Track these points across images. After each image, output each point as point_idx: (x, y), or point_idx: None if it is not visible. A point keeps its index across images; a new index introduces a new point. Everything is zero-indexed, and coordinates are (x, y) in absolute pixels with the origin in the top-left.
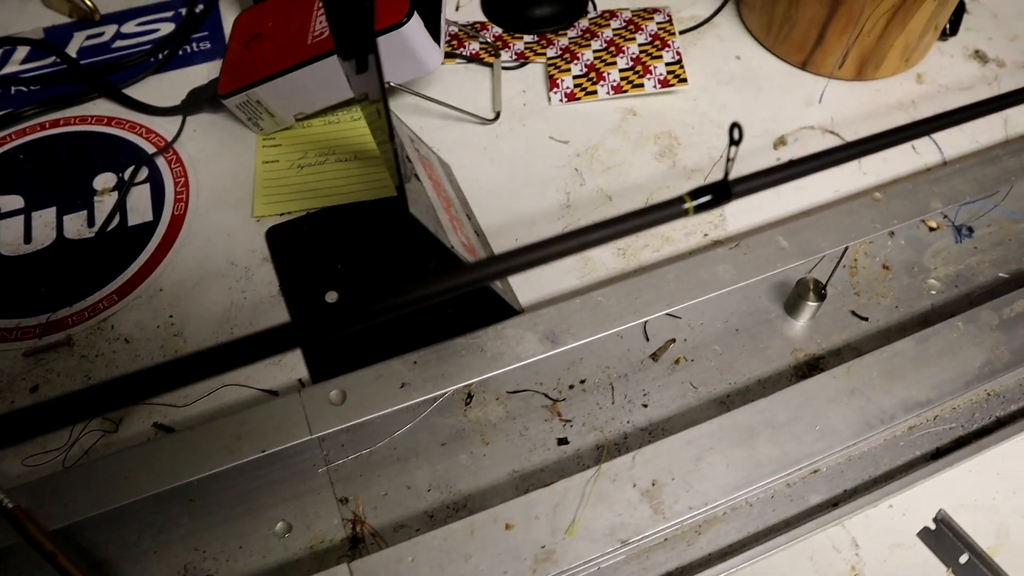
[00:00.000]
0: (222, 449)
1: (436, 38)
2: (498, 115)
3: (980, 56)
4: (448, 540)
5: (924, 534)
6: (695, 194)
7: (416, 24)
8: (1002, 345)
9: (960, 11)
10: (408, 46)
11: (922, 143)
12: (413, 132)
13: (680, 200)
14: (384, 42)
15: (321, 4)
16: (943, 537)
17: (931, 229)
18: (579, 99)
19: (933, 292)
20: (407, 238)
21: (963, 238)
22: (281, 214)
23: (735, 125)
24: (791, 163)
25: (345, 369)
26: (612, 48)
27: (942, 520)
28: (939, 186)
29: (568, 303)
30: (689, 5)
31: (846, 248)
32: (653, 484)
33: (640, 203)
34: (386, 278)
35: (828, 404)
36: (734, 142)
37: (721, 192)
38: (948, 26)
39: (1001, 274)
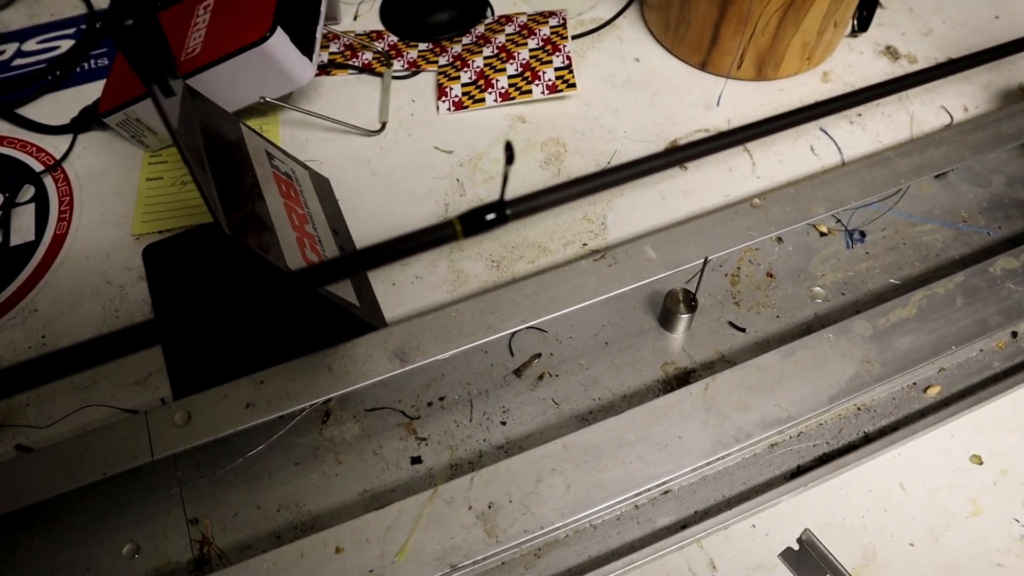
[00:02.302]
0: (64, 472)
1: (308, 51)
2: (384, 126)
3: (891, 52)
4: (277, 563)
5: (786, 555)
6: (466, 218)
7: (280, 40)
8: (874, 357)
9: (872, 6)
10: (274, 61)
11: (822, 144)
12: (276, 147)
13: (448, 225)
14: (247, 59)
15: (196, 20)
16: (805, 558)
17: (822, 234)
18: (467, 107)
19: (818, 301)
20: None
21: (855, 243)
22: (160, 231)
23: (508, 145)
24: (579, 180)
25: (208, 387)
26: (503, 54)
27: (806, 540)
28: (824, 190)
29: (422, 319)
30: (592, 7)
31: (706, 260)
32: (489, 507)
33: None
34: (230, 296)
35: (681, 422)
36: (508, 161)
37: (494, 214)
38: (857, 22)
39: (892, 280)
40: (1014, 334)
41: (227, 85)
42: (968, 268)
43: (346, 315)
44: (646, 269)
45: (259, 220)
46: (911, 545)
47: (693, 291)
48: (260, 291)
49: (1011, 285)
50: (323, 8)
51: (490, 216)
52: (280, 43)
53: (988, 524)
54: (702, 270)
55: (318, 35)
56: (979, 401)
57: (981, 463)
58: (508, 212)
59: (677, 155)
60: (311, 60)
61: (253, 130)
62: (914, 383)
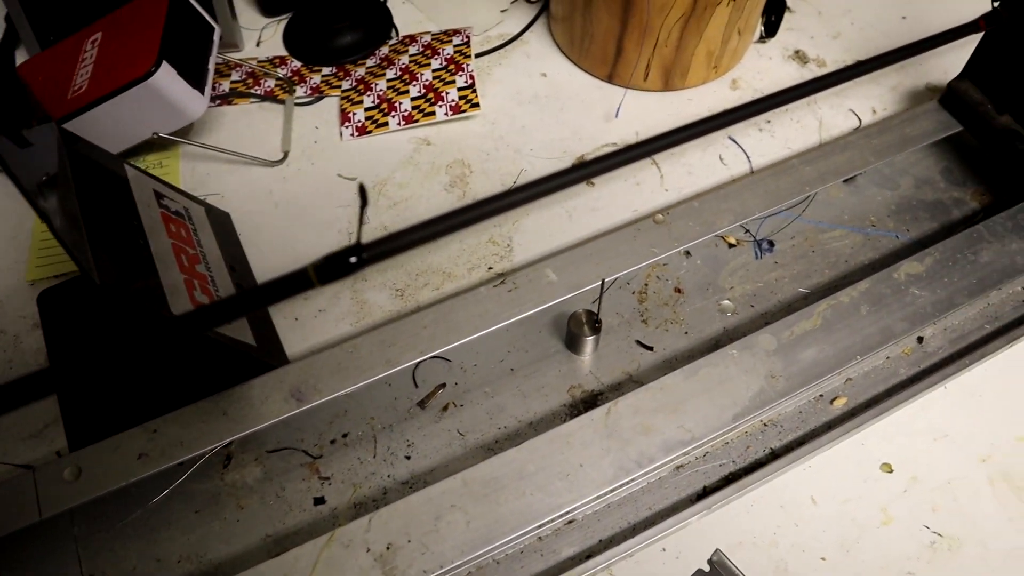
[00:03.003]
0: None
1: (199, 84)
2: (286, 155)
3: (800, 56)
4: None
5: None
6: (321, 265)
7: (167, 74)
8: (779, 372)
9: (780, 11)
10: (162, 97)
11: (730, 153)
12: (168, 186)
13: (303, 273)
14: (133, 95)
15: (84, 55)
16: None
17: (731, 245)
18: (370, 132)
19: (727, 314)
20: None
21: (763, 253)
22: (57, 276)
23: (362, 187)
24: (436, 219)
25: (107, 435)
26: (406, 76)
27: (716, 561)
28: (730, 201)
29: (319, 356)
30: (499, 23)
31: (603, 282)
32: (388, 548)
33: None
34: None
35: (582, 450)
36: (363, 204)
37: (353, 258)
38: (764, 28)
39: (801, 289)
40: (920, 339)
41: (116, 122)
42: (872, 275)
43: (240, 356)
44: (547, 293)
45: (141, 265)
46: (823, 559)
47: (596, 312)
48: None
49: (915, 290)
50: (216, 38)
51: (346, 261)
52: (167, 78)
53: (899, 533)
54: (601, 292)
55: (210, 66)
56: (887, 409)
57: (891, 471)
58: (364, 256)
59: (575, 174)
60: (203, 93)
61: (141, 170)
62: (820, 395)
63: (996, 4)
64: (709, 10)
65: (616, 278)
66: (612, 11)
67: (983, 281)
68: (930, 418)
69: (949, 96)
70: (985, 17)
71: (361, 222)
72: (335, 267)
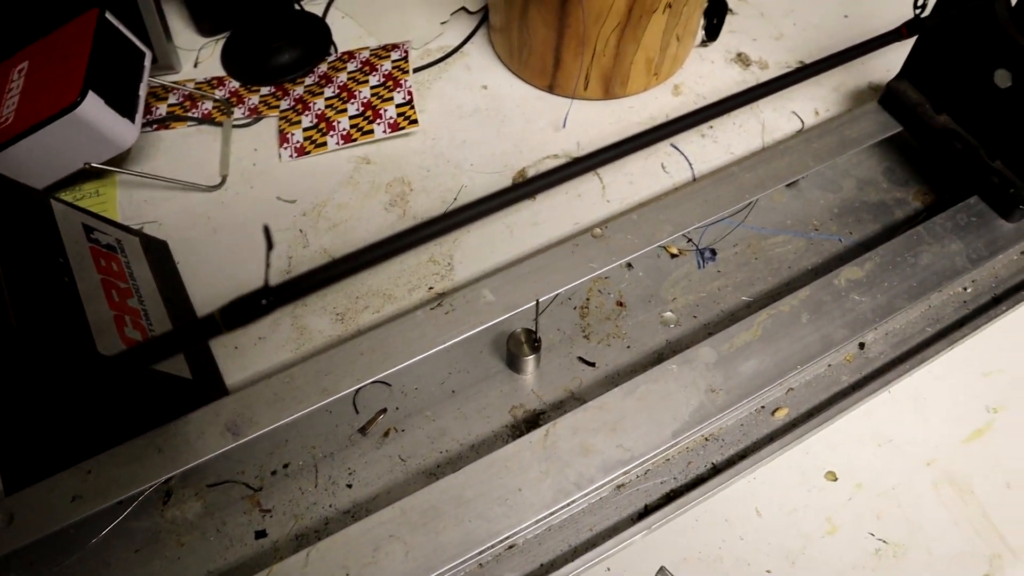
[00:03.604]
0: None
1: (130, 112)
2: (224, 179)
3: (742, 59)
4: None
5: None
6: (227, 310)
7: (93, 104)
8: (719, 386)
9: (722, 13)
10: (89, 127)
11: (673, 161)
12: (99, 218)
13: (210, 319)
14: (60, 127)
15: (11, 86)
16: None
17: (673, 256)
18: (309, 153)
19: (669, 326)
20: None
21: (706, 262)
22: None
23: (266, 229)
24: (355, 254)
25: (45, 477)
26: (344, 94)
27: None
28: (669, 212)
29: (256, 387)
30: (439, 35)
31: (537, 302)
32: None
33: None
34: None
35: (521, 474)
36: (268, 247)
37: (261, 302)
38: (706, 31)
39: (744, 298)
40: (861, 345)
41: (45, 154)
42: (813, 282)
43: (176, 390)
44: (484, 314)
45: (65, 303)
46: (768, 572)
47: (535, 330)
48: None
49: (856, 296)
50: (147, 63)
51: (255, 305)
52: (94, 108)
53: (844, 541)
54: (536, 312)
55: (142, 93)
56: (829, 418)
57: (836, 479)
58: (267, 301)
59: (513, 193)
60: (133, 121)
61: (70, 204)
62: (762, 407)
63: (918, 11)
64: (645, 18)
65: (556, 295)
66: (548, 22)
67: (923, 284)
68: (874, 424)
69: (888, 97)
70: (907, 25)
71: (267, 264)
72: (243, 312)
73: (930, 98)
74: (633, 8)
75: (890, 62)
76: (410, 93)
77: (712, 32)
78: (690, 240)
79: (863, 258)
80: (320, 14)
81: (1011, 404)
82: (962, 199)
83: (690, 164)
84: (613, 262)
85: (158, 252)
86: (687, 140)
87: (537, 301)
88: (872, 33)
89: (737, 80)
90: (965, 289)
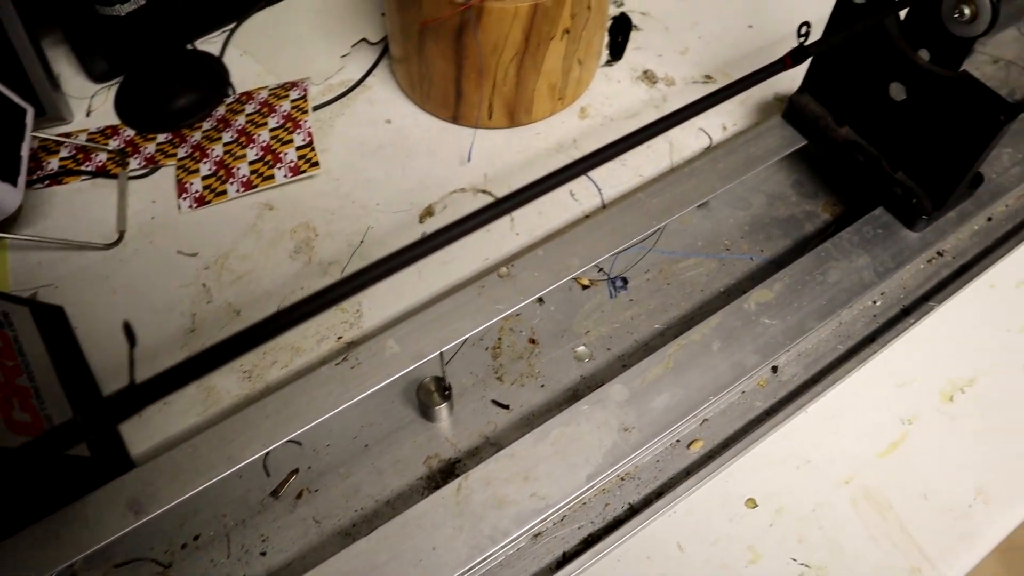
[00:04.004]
0: None
1: (11, 176)
2: (122, 235)
3: (649, 76)
4: None
5: None
6: (87, 415)
7: None
8: (632, 423)
9: (626, 31)
10: None
11: (581, 188)
12: None
13: (71, 424)
14: None
15: None
16: None
17: (584, 287)
18: (209, 202)
19: (584, 361)
20: None
21: (618, 291)
22: None
23: (127, 326)
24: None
25: None
26: (243, 138)
27: None
28: (577, 244)
29: (160, 460)
30: (340, 68)
31: (441, 354)
32: None
33: (271, 311)
34: None
35: (434, 532)
36: (131, 343)
37: (121, 405)
38: (610, 50)
39: (657, 326)
40: (774, 369)
41: None
42: (722, 309)
43: (74, 470)
44: (391, 365)
45: None
46: None
47: (444, 377)
48: None
49: (766, 319)
50: (29, 120)
51: (114, 411)
52: None
53: (767, 569)
54: (442, 363)
55: (24, 152)
56: (746, 446)
57: (756, 506)
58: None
59: (422, 248)
60: (15, 184)
61: None
62: (677, 441)
63: (802, 39)
64: (543, 46)
65: (464, 339)
66: (445, 55)
67: (832, 301)
68: (791, 446)
69: (791, 111)
70: (792, 54)
71: (131, 361)
72: (104, 418)
73: (832, 111)
74: (530, 37)
75: (796, 73)
76: (310, 135)
77: (617, 50)
78: (601, 269)
79: (772, 279)
80: (217, 53)
81: (923, 414)
82: (869, 209)
83: (599, 190)
84: (520, 302)
85: (52, 320)
86: None
87: (441, 353)
88: (778, 42)
89: (643, 99)
90: (874, 303)
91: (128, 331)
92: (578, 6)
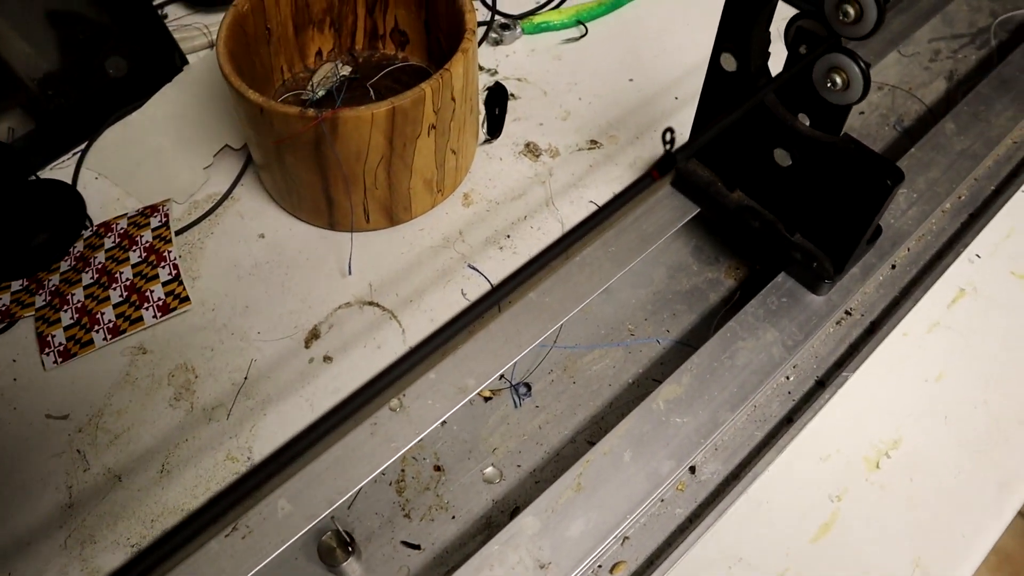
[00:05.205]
0: None
1: None
2: None
3: (531, 150)
4: None
5: None
6: None
7: None
8: (547, 558)
9: (503, 101)
10: None
11: (472, 283)
12: None
13: None
14: None
15: None
16: None
17: (486, 399)
18: (75, 354)
19: (494, 482)
20: None
21: (522, 399)
22: None
23: None
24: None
25: None
26: (104, 279)
27: None
28: (469, 362)
29: None
30: (205, 181)
31: (332, 518)
32: None
33: (154, 473)
34: None
35: None
36: None
37: None
38: (487, 127)
39: (566, 432)
40: (692, 470)
41: None
42: (631, 413)
43: None
44: (285, 529)
45: None
46: None
47: (344, 531)
48: None
49: (677, 419)
50: None
51: None
52: None
53: None
54: (337, 529)
55: None
56: (673, 559)
57: None
58: None
59: (318, 430)
60: None
61: None
62: (599, 566)
63: (667, 146)
64: (409, 145)
65: (360, 488)
66: (308, 167)
67: (744, 387)
68: (721, 547)
69: (680, 179)
70: (658, 166)
71: None
72: None
73: (721, 176)
74: (393, 139)
75: (682, 129)
76: (176, 267)
77: (495, 125)
78: (503, 376)
79: (680, 371)
80: (69, 179)
81: (851, 487)
82: (772, 270)
83: (491, 284)
84: (415, 437)
85: None
86: (485, 256)
87: (332, 518)
88: (660, 93)
89: (528, 176)
90: (787, 378)
91: None
92: (440, 100)
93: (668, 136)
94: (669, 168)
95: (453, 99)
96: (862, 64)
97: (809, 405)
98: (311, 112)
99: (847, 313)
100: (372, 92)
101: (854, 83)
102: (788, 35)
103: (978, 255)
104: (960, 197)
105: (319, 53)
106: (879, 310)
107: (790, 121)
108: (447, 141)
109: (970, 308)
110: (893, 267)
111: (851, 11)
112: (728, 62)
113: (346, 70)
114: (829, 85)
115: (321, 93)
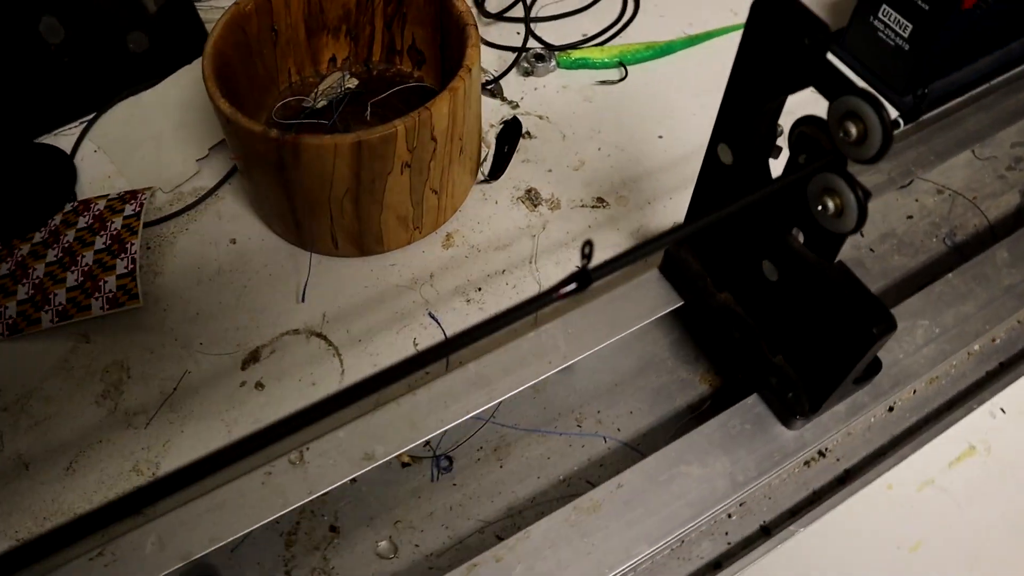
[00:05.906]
0: None
1: None
2: None
3: (531, 197)
4: None
5: None
6: None
7: None
8: None
9: (515, 138)
10: None
11: (428, 334)
12: None
13: None
14: None
15: None
16: None
17: (405, 464)
18: (22, 331)
19: (388, 558)
20: None
21: (441, 473)
22: None
23: None
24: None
25: None
26: (66, 259)
27: None
28: (387, 426)
29: None
30: (195, 174)
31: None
32: None
33: (61, 469)
34: None
35: None
36: None
37: None
38: (493, 164)
39: (476, 521)
40: None
41: None
42: (537, 522)
43: None
44: (151, 567)
45: None
46: None
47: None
48: None
49: (588, 540)
50: None
51: None
52: None
53: None
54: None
55: None
56: None
57: None
58: None
59: (237, 451)
60: None
61: None
62: None
63: (585, 261)
64: (379, 181)
65: (244, 534)
66: (274, 187)
67: (672, 519)
68: None
69: (668, 264)
70: (577, 278)
71: None
72: None
73: (711, 273)
74: (360, 174)
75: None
76: (134, 261)
77: (500, 164)
78: (428, 443)
79: (610, 483)
80: (69, 148)
81: None
82: (747, 388)
83: (445, 337)
84: (305, 498)
85: None
86: (449, 306)
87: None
88: (689, 155)
89: (520, 225)
90: (730, 516)
91: None
92: (417, 139)
93: (587, 250)
94: (583, 286)
95: (434, 139)
96: (859, 193)
97: (746, 553)
98: (274, 133)
99: (820, 454)
100: (369, 111)
101: (848, 212)
102: (791, 137)
103: (1003, 410)
104: (994, 340)
105: (333, 59)
106: (860, 456)
107: (782, 233)
108: (425, 181)
109: (977, 470)
110: (890, 409)
111: (853, 130)
112: (725, 154)
113: (352, 83)
114: (820, 208)
115: (323, 103)
